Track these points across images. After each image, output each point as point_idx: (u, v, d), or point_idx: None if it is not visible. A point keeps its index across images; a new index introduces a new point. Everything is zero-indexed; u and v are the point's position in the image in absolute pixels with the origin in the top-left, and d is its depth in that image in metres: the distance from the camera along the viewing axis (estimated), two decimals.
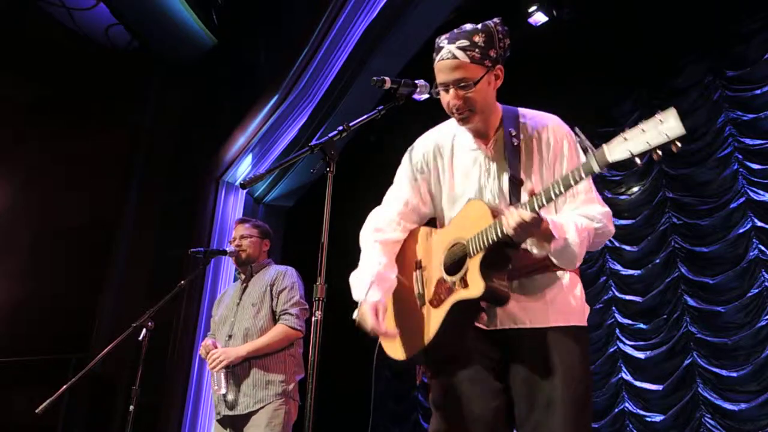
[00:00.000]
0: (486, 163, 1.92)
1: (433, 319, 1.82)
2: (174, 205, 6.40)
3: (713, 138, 5.75)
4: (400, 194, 2.06)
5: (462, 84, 1.82)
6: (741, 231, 5.42)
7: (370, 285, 1.89)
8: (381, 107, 2.07)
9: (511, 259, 1.78)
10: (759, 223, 5.34)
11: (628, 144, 1.50)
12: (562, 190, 1.62)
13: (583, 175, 1.58)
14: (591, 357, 5.97)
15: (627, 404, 5.73)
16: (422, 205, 2.04)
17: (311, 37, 5.28)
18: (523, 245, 1.76)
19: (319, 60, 5.38)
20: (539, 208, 1.64)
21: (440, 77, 1.86)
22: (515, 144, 1.88)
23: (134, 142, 6.86)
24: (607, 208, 1.86)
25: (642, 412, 5.61)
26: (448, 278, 1.83)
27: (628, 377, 5.79)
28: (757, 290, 5.21)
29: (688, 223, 5.77)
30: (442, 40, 1.87)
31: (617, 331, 5.96)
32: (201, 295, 5.72)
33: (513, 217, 1.65)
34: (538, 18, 5.82)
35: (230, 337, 3.25)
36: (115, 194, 6.63)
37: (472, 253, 1.77)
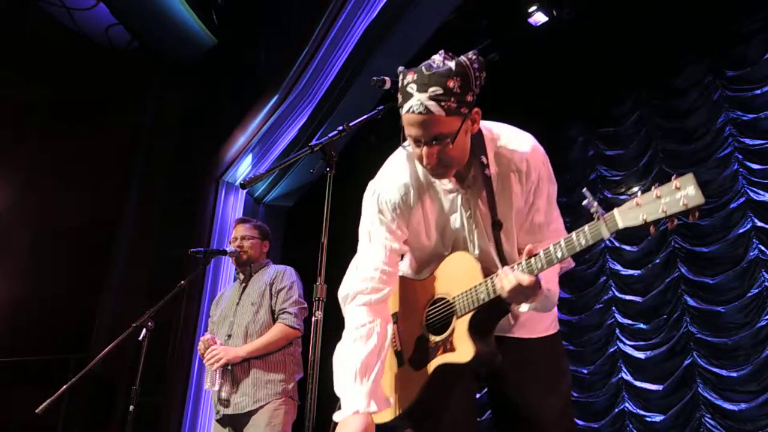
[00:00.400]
0: (465, 204, 1.76)
1: (414, 383, 1.72)
2: (174, 205, 6.40)
3: (713, 138, 5.76)
4: (377, 242, 1.81)
5: (438, 140, 1.60)
6: (741, 231, 5.42)
7: (367, 397, 1.65)
8: (381, 107, 2.06)
9: (504, 314, 1.71)
10: (759, 223, 5.34)
11: (642, 210, 1.39)
12: (566, 254, 1.51)
13: (590, 240, 1.47)
14: (591, 357, 6.04)
15: (627, 404, 5.72)
16: (402, 246, 1.85)
17: (311, 37, 5.28)
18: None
19: (319, 60, 5.38)
20: (539, 271, 1.55)
21: (410, 131, 1.61)
22: (491, 180, 1.72)
23: (134, 142, 6.85)
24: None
25: (642, 412, 5.61)
26: (432, 338, 1.73)
27: (628, 377, 5.79)
28: (757, 290, 5.21)
29: (688, 223, 5.77)
30: (410, 84, 1.59)
31: (617, 331, 5.96)
32: (201, 295, 5.72)
33: (509, 281, 1.56)
34: (538, 18, 5.82)
35: (229, 336, 3.25)
36: (115, 194, 6.62)
37: (459, 313, 1.69)
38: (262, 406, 3.08)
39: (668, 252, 5.83)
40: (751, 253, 5.32)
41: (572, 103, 6.70)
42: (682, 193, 1.33)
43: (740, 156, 5.56)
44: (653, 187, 1.38)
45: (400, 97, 1.62)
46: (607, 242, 6.26)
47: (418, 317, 1.78)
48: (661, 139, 6.13)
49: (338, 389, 1.69)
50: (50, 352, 5.90)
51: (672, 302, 5.70)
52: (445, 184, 1.76)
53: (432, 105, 1.55)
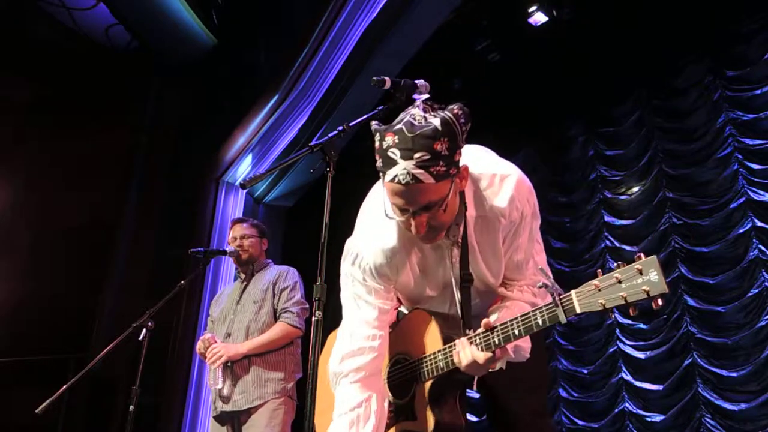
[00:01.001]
0: (452, 257, 1.67)
1: None
2: (174, 205, 6.40)
3: (713, 138, 5.76)
4: (365, 307, 1.75)
5: (428, 208, 1.49)
6: (741, 231, 5.42)
7: None
8: (381, 107, 2.06)
9: (467, 382, 1.66)
10: (759, 223, 5.34)
11: (601, 295, 1.34)
12: (522, 333, 1.45)
13: (547, 323, 1.42)
14: (591, 357, 6.03)
15: (627, 404, 5.72)
16: (392, 302, 1.79)
17: (311, 37, 5.28)
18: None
19: (319, 60, 5.38)
20: (496, 347, 1.49)
21: (396, 200, 1.49)
22: (470, 221, 1.63)
23: (134, 142, 6.85)
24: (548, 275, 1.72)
25: (642, 412, 5.61)
26: (393, 401, 1.70)
27: (628, 377, 5.79)
28: (757, 290, 5.21)
29: (688, 223, 5.77)
30: (391, 149, 1.44)
31: (617, 331, 5.96)
32: (201, 295, 5.72)
33: (465, 355, 1.51)
34: (538, 18, 5.83)
35: (229, 335, 3.25)
36: (115, 194, 6.62)
37: (420, 379, 1.66)
38: (261, 404, 3.08)
39: (668, 252, 5.82)
40: (751, 253, 5.32)
41: (572, 103, 6.69)
42: (644, 278, 1.28)
43: (740, 156, 5.56)
44: (615, 269, 1.33)
45: (379, 160, 1.49)
46: (607, 242, 6.26)
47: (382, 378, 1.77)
48: (661, 139, 6.13)
49: None
50: (50, 352, 5.90)
51: (672, 302, 5.69)
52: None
53: (420, 173, 1.42)
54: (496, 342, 1.48)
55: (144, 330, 3.15)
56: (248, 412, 3.09)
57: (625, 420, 5.69)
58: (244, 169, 6.27)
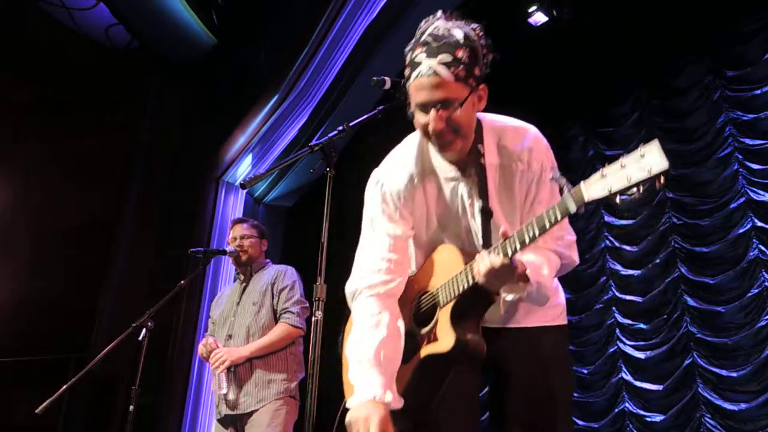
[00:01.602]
0: (467, 193, 1.73)
1: (404, 377, 1.69)
2: (174, 205, 6.39)
3: (713, 138, 5.76)
4: (380, 231, 1.80)
5: (446, 105, 1.60)
6: (741, 231, 5.42)
7: (383, 387, 1.61)
8: (381, 107, 2.06)
9: (488, 304, 1.66)
10: (759, 223, 5.34)
11: (607, 180, 1.39)
12: (537, 233, 1.47)
13: (558, 216, 1.44)
14: (591, 357, 6.04)
15: (627, 404, 5.72)
16: (407, 231, 1.81)
17: (311, 37, 5.28)
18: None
19: (319, 60, 5.38)
20: (513, 253, 1.50)
21: (419, 96, 1.61)
22: (490, 168, 1.70)
23: (134, 142, 6.86)
24: (573, 237, 1.75)
25: (642, 412, 5.61)
26: (418, 331, 1.72)
27: (628, 377, 5.79)
28: (757, 290, 5.21)
29: (688, 223, 5.77)
30: (418, 54, 1.61)
31: (617, 331, 5.96)
32: (201, 295, 5.72)
33: (483, 264, 1.51)
34: (538, 18, 5.83)
35: (230, 336, 3.25)
36: (115, 194, 6.62)
37: (441, 303, 1.67)
38: (264, 406, 3.08)
39: (668, 252, 5.83)
40: (751, 253, 5.32)
41: (572, 103, 6.69)
42: (646, 160, 1.32)
43: (740, 156, 5.56)
44: (620, 158, 1.37)
45: (407, 70, 1.63)
46: (607, 242, 6.26)
47: (407, 313, 1.77)
48: (661, 139, 6.04)
49: (352, 377, 1.66)
50: (50, 352, 5.90)
51: (672, 302, 5.70)
52: (447, 172, 1.74)
53: (441, 69, 1.57)
54: (513, 247, 1.49)
55: (144, 330, 3.15)
56: (252, 414, 3.09)
57: (625, 420, 5.69)
58: (244, 169, 6.27)
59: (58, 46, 6.81)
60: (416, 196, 1.77)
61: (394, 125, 1.75)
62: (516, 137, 1.73)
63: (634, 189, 1.35)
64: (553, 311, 1.84)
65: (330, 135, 1.98)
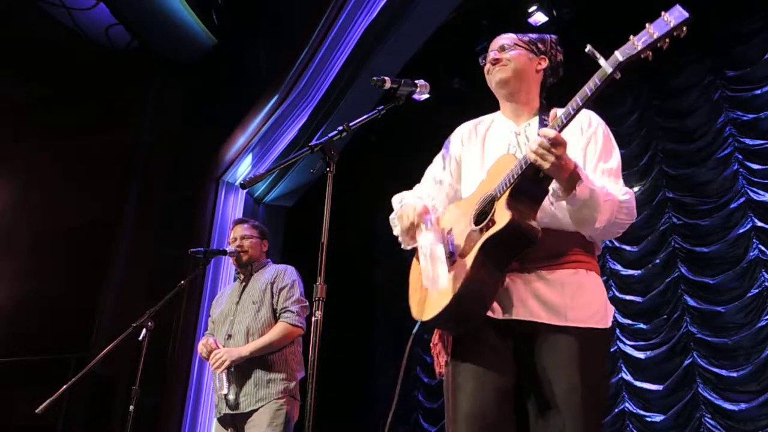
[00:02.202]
0: (519, 138, 1.93)
1: (463, 267, 1.73)
2: (174, 205, 6.40)
3: (713, 138, 5.76)
4: (427, 176, 2.12)
5: (504, 47, 1.98)
6: (741, 231, 5.42)
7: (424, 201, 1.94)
8: (381, 107, 2.06)
9: (542, 194, 1.71)
10: (759, 223, 5.34)
11: (635, 42, 1.54)
12: (580, 104, 1.61)
13: (598, 81, 1.58)
14: None
15: (627, 404, 5.73)
16: (452, 181, 2.05)
17: (311, 37, 5.28)
18: (548, 190, 1.72)
19: (319, 60, 5.39)
20: (562, 126, 1.63)
21: (491, 47, 2.01)
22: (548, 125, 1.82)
23: (134, 142, 6.86)
24: (632, 193, 1.80)
25: (642, 412, 5.61)
26: (476, 227, 1.76)
27: (628, 377, 5.79)
28: (757, 290, 5.21)
29: (688, 223, 5.77)
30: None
31: (617, 331, 5.96)
32: (201, 295, 5.72)
33: (535, 139, 1.63)
34: (538, 18, 5.83)
35: (230, 336, 3.24)
36: (115, 194, 6.63)
37: (498, 195, 1.73)
38: (263, 405, 3.08)
39: (668, 252, 5.83)
40: (751, 253, 5.32)
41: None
42: (668, 17, 1.48)
43: (740, 156, 5.56)
44: (647, 25, 1.53)
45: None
46: (607, 242, 6.26)
47: (468, 219, 1.82)
48: (661, 139, 6.13)
49: (397, 210, 1.99)
50: (50, 352, 5.90)
51: (672, 302, 5.70)
52: (507, 123, 1.99)
53: (511, 34, 2.01)
54: (561, 122, 1.64)
55: (144, 330, 3.15)
56: (251, 414, 3.09)
57: (625, 420, 5.69)
58: (244, 169, 6.28)
59: (58, 46, 6.82)
60: (472, 137, 2.04)
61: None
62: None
63: (659, 43, 1.49)
64: (589, 309, 1.77)
65: (330, 135, 1.97)
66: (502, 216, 1.67)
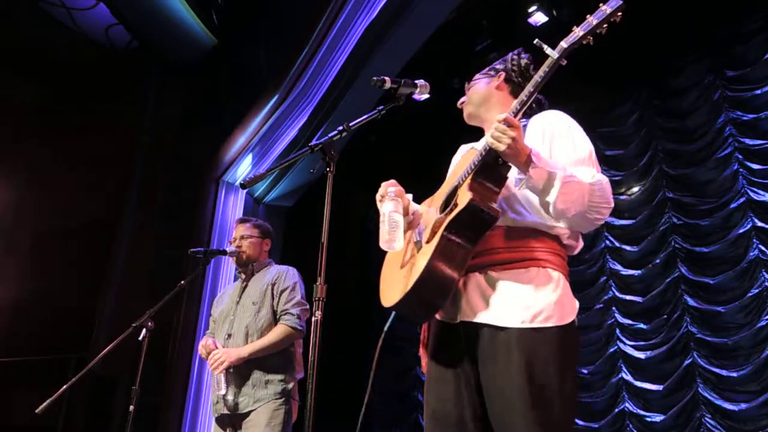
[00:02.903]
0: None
1: (428, 250, 1.76)
2: (174, 205, 6.40)
3: (713, 138, 5.76)
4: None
5: (469, 88, 2.10)
6: (741, 231, 5.42)
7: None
8: (381, 107, 2.06)
9: (502, 179, 1.76)
10: (759, 223, 5.34)
11: (578, 30, 1.66)
12: (531, 89, 1.69)
13: (545, 68, 1.67)
14: (591, 357, 6.03)
15: (627, 404, 5.72)
16: None
17: (311, 37, 5.28)
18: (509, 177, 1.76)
19: (319, 60, 5.39)
20: (516, 112, 1.70)
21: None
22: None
23: (134, 142, 6.86)
24: (605, 177, 1.78)
25: (642, 412, 5.61)
26: (442, 214, 1.81)
27: (628, 377, 5.79)
28: (757, 290, 5.21)
29: (688, 223, 5.77)
30: None
31: (617, 331, 5.96)
32: (201, 295, 5.72)
33: (493, 126, 1.69)
34: (538, 18, 5.82)
35: (230, 336, 3.24)
36: (115, 194, 6.63)
37: (461, 182, 1.78)
38: (261, 406, 3.08)
39: (668, 252, 5.83)
40: (751, 253, 5.32)
41: (572, 102, 6.69)
42: (605, 6, 1.63)
43: (740, 156, 5.56)
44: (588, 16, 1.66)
45: None
46: (607, 242, 6.26)
47: (435, 210, 1.89)
48: (661, 139, 6.13)
49: None
50: (50, 352, 5.90)
51: (672, 302, 5.69)
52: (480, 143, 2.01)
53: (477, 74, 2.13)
54: (515, 109, 1.71)
55: (144, 330, 3.15)
56: (248, 413, 3.09)
57: (625, 420, 5.69)
58: (244, 169, 6.27)
59: (58, 46, 6.82)
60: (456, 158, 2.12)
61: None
62: (542, 113, 2.01)
63: (598, 29, 1.63)
64: (541, 306, 1.72)
65: (330, 135, 1.97)
66: (463, 198, 1.72)
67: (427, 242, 1.80)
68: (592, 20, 1.63)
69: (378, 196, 1.93)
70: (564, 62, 1.66)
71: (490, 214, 1.70)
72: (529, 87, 1.69)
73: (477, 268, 1.77)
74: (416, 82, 2.07)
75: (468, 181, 1.74)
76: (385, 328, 1.92)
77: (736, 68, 5.73)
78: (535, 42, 1.70)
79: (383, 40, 5.02)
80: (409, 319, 1.87)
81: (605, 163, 6.46)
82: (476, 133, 2.14)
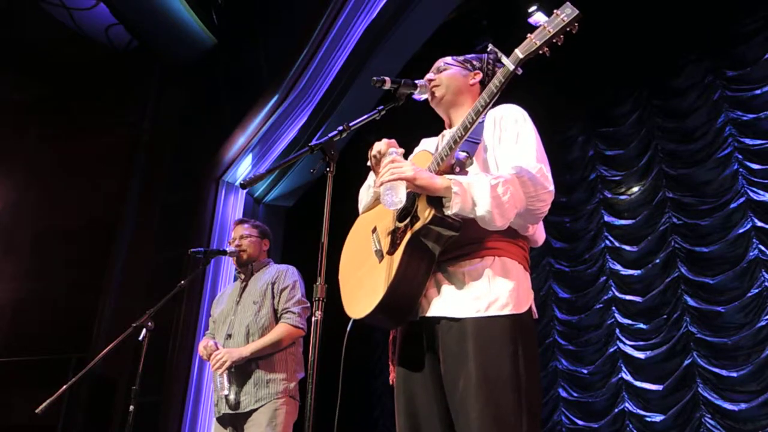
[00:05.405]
0: (443, 140, 2.06)
1: (392, 264, 1.77)
2: (174, 205, 6.40)
3: (713, 138, 5.75)
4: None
5: (440, 68, 2.12)
6: (741, 231, 5.42)
7: None
8: (381, 107, 2.06)
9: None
10: (759, 223, 5.33)
11: (533, 39, 1.64)
12: (487, 99, 1.70)
13: (502, 78, 1.66)
14: (590, 357, 6.03)
15: (627, 404, 5.72)
16: None
17: (311, 37, 5.29)
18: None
19: (319, 60, 5.39)
20: (471, 123, 1.73)
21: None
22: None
23: (134, 142, 6.86)
24: (541, 165, 1.81)
25: (642, 412, 5.61)
26: (400, 223, 1.82)
27: (628, 377, 5.79)
28: (757, 290, 5.20)
29: (688, 223, 5.77)
30: None
31: (617, 331, 5.96)
32: (201, 295, 5.72)
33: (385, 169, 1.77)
34: (538, 18, 5.82)
35: (230, 336, 3.24)
36: (115, 194, 6.63)
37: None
38: (263, 405, 3.08)
39: (668, 252, 5.83)
40: (751, 253, 5.31)
41: (572, 102, 6.70)
42: (562, 15, 1.60)
43: (740, 156, 5.56)
44: (544, 24, 1.64)
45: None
46: (607, 242, 6.26)
47: (391, 217, 1.89)
48: (661, 139, 6.13)
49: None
50: (50, 352, 5.91)
51: (672, 302, 5.69)
52: (444, 135, 2.08)
53: (447, 57, 2.17)
54: (471, 118, 1.73)
55: (144, 330, 3.15)
56: (250, 413, 3.09)
57: (625, 420, 5.69)
58: (244, 169, 6.28)
59: (58, 46, 6.82)
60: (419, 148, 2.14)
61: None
62: (498, 106, 2.00)
63: (554, 39, 1.61)
64: (495, 296, 1.73)
65: (330, 135, 1.97)
66: (424, 212, 1.73)
67: (389, 253, 1.81)
68: (548, 29, 1.61)
69: (374, 153, 1.96)
70: (519, 72, 1.66)
71: (454, 225, 1.73)
72: (485, 96, 1.71)
73: (436, 266, 1.81)
74: (416, 82, 2.08)
75: (424, 198, 1.76)
76: (348, 331, 1.93)
77: (736, 68, 5.73)
78: (488, 48, 1.75)
79: (383, 40, 5.02)
80: (379, 326, 1.91)
81: (605, 163, 6.47)
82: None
